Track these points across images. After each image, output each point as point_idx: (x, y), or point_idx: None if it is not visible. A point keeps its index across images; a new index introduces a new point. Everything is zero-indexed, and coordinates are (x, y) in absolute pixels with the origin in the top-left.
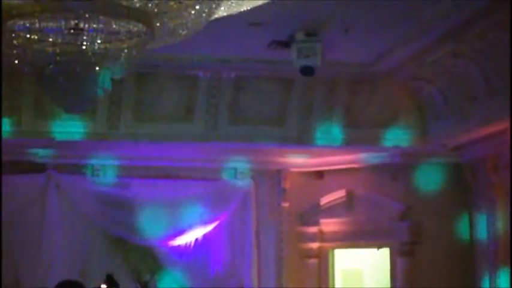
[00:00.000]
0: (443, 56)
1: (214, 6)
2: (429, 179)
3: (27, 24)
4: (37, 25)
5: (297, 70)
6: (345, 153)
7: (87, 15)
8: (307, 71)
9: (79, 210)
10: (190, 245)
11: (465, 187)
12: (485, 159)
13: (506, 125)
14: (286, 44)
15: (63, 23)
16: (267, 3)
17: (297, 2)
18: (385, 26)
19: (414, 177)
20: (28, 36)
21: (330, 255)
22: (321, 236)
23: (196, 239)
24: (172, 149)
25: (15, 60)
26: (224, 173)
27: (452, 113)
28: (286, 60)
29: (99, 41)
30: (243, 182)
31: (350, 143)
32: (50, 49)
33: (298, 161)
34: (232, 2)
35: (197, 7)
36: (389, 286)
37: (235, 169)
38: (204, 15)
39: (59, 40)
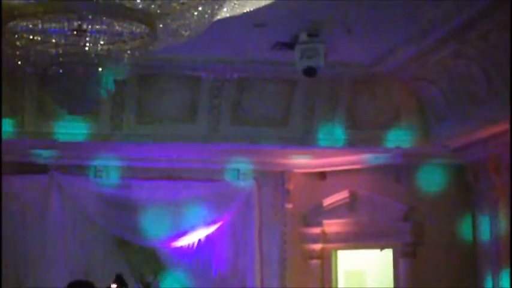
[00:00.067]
0: (445, 57)
1: (217, 7)
2: (431, 180)
3: (30, 25)
4: (40, 26)
5: (300, 71)
6: (348, 154)
7: (90, 17)
8: (309, 71)
9: (82, 211)
10: (193, 246)
11: (467, 188)
12: (487, 160)
13: (508, 125)
14: (289, 46)
15: (66, 24)
16: (270, 5)
17: (300, 2)
18: (387, 27)
19: (416, 178)
20: (31, 37)
21: (333, 256)
22: (323, 237)
23: (199, 240)
24: (175, 150)
25: (18, 61)
26: (227, 174)
27: (454, 114)
28: (288, 61)
29: (102, 42)
30: (246, 183)
31: (353, 144)
32: (53, 50)
33: (301, 162)
34: (235, 3)
35: (200, 8)
36: (392, 287)
37: (238, 170)
38: (206, 16)
39: (62, 41)
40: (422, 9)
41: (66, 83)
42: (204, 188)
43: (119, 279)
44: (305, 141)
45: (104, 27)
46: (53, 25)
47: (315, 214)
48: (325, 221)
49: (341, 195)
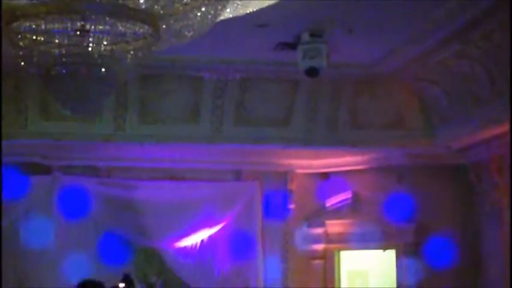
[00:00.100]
0: (448, 57)
1: (220, 8)
2: (434, 180)
3: (33, 26)
4: (43, 26)
5: (302, 71)
6: (351, 155)
7: (93, 17)
8: (312, 72)
9: (85, 212)
10: (196, 246)
11: (470, 188)
12: (490, 160)
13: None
14: (292, 46)
15: (69, 24)
16: (272, 5)
17: (302, 3)
18: (389, 27)
19: (419, 179)
20: (34, 37)
21: (336, 257)
22: (326, 238)
23: (202, 241)
24: (178, 150)
25: (21, 61)
26: (229, 175)
27: (457, 114)
28: (291, 61)
29: (105, 43)
30: (249, 184)
31: (355, 145)
32: (56, 50)
33: (303, 162)
34: (238, 4)
35: (203, 9)
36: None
37: (241, 170)
38: (210, 17)
39: (65, 41)
40: (425, 9)
41: (69, 83)
42: (207, 188)
43: (126, 279)
44: (308, 141)
45: (107, 27)
46: (56, 25)
47: (318, 214)
48: (328, 222)
49: (344, 196)
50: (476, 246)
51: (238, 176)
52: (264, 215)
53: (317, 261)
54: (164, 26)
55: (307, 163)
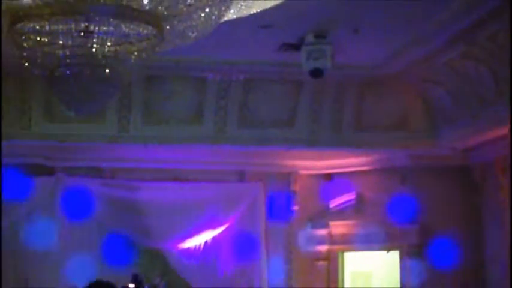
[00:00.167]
0: (453, 58)
1: (223, 8)
2: (438, 181)
3: (37, 27)
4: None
5: (307, 72)
6: (354, 156)
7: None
8: (316, 73)
9: (88, 213)
10: (199, 247)
11: (475, 189)
12: (495, 161)
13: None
14: (296, 47)
15: (73, 25)
16: (276, 6)
17: (306, 4)
18: (394, 28)
19: (423, 180)
20: (38, 38)
21: (340, 258)
22: (330, 239)
23: (206, 242)
24: (181, 151)
25: (25, 62)
26: (233, 176)
27: (461, 115)
28: (295, 62)
29: (109, 44)
30: (252, 185)
31: (359, 146)
32: (60, 51)
33: (307, 163)
34: (241, 5)
35: (207, 10)
36: None
37: (244, 171)
38: (213, 17)
39: (69, 43)
40: (430, 10)
41: (73, 85)
42: (210, 189)
43: (136, 279)
44: (312, 142)
45: (111, 28)
46: (60, 27)
47: (322, 216)
48: (331, 223)
49: (347, 197)
50: (480, 248)
51: (241, 177)
52: (267, 216)
53: (321, 263)
54: (168, 27)
55: (311, 164)
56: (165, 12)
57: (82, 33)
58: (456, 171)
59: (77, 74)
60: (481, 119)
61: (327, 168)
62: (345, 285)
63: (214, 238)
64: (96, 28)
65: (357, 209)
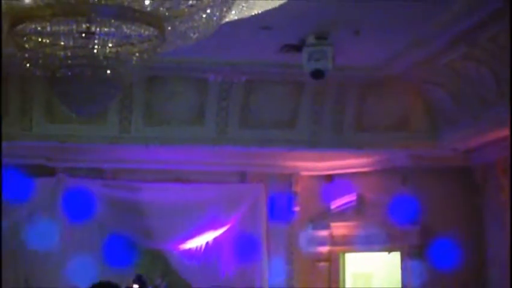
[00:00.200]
0: (454, 59)
1: (225, 10)
2: (439, 182)
3: (39, 28)
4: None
5: (308, 73)
6: (356, 157)
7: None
8: (317, 74)
9: (89, 214)
10: (201, 248)
11: (476, 190)
12: (496, 162)
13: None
14: (297, 48)
15: (74, 26)
16: (278, 7)
17: (308, 5)
18: (395, 29)
19: (424, 181)
20: (40, 39)
21: (341, 259)
22: (331, 240)
23: (207, 243)
24: (183, 152)
25: (26, 63)
26: (234, 177)
27: (462, 117)
28: (296, 63)
29: (110, 45)
30: (254, 186)
31: (360, 147)
32: (62, 52)
33: (308, 164)
34: (243, 6)
35: (208, 11)
36: None
37: (246, 172)
38: (215, 18)
39: (71, 44)
40: (431, 12)
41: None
42: (212, 190)
43: (139, 280)
44: (313, 143)
45: (113, 29)
46: (62, 27)
47: (323, 217)
48: (332, 224)
49: (348, 198)
50: (481, 248)
51: (243, 178)
52: (268, 217)
53: (322, 264)
54: (169, 28)
55: (312, 165)
56: (167, 13)
57: (83, 34)
58: (457, 172)
59: (78, 75)
60: (482, 120)
61: (328, 169)
62: (346, 286)
63: (215, 239)
64: (98, 29)
65: (358, 210)
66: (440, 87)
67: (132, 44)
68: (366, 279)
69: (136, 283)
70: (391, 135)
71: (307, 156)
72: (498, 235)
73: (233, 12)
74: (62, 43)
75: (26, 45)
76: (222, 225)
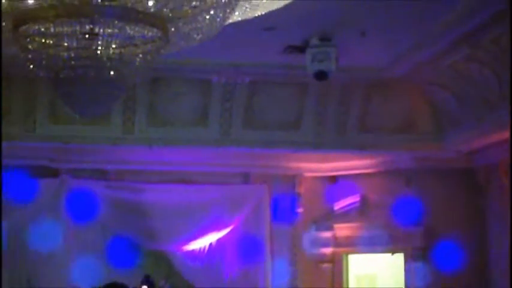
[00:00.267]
0: (457, 61)
1: (228, 11)
2: (442, 184)
3: (42, 29)
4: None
5: (311, 75)
6: (359, 158)
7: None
8: (321, 75)
9: (93, 215)
10: (204, 249)
11: (479, 191)
12: (499, 163)
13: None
14: (301, 49)
15: (78, 27)
16: (281, 8)
17: (311, 6)
18: (399, 31)
19: (427, 183)
20: (43, 40)
21: (344, 260)
22: (334, 241)
23: (210, 244)
24: (186, 153)
25: (30, 64)
26: (238, 178)
27: (466, 118)
28: (300, 64)
29: (113, 46)
30: (257, 187)
31: (364, 148)
32: (65, 53)
33: (312, 165)
34: (246, 7)
35: (212, 12)
36: None
37: (249, 174)
38: (218, 20)
39: (74, 45)
40: (434, 13)
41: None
42: (215, 191)
43: (147, 281)
44: (317, 145)
45: (116, 30)
46: (65, 29)
47: (326, 218)
48: (336, 225)
49: (352, 199)
50: (485, 250)
51: (246, 179)
52: (272, 218)
53: (325, 265)
54: (173, 29)
55: (315, 166)
56: (170, 15)
57: (87, 36)
58: (461, 173)
59: (81, 76)
60: (485, 121)
61: (331, 171)
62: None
63: (218, 240)
64: (101, 30)
65: (361, 211)
66: (444, 89)
67: (136, 45)
68: (369, 281)
69: (144, 284)
70: (395, 137)
71: (311, 157)
72: (501, 236)
73: (236, 13)
74: (66, 44)
75: (30, 46)
76: (225, 227)
